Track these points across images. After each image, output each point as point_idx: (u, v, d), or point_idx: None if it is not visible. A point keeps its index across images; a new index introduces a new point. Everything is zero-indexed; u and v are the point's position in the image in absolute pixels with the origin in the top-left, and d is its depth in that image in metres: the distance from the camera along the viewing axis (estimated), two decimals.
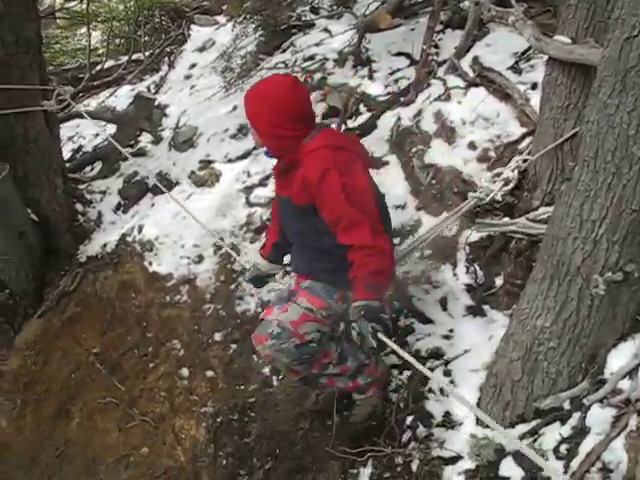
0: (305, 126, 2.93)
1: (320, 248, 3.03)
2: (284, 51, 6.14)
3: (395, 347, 2.61)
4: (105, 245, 5.13)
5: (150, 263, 4.86)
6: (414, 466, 3.01)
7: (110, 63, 8.26)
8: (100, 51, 9.20)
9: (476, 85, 4.35)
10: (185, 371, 4.31)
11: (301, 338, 3.01)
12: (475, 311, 3.56)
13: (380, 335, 2.65)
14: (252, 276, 3.63)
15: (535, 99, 3.92)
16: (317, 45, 5.89)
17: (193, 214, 3.97)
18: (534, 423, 2.78)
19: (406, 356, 2.48)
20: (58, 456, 4.44)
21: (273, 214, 3.59)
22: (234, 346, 4.22)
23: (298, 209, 2.96)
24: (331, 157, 2.82)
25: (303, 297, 3.09)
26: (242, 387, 4.01)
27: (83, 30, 10.40)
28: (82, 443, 4.43)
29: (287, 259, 3.54)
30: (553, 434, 2.68)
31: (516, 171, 3.28)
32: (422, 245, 3.54)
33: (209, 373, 4.21)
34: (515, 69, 4.31)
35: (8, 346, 4.92)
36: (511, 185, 3.30)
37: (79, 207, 5.41)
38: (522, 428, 2.81)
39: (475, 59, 4.51)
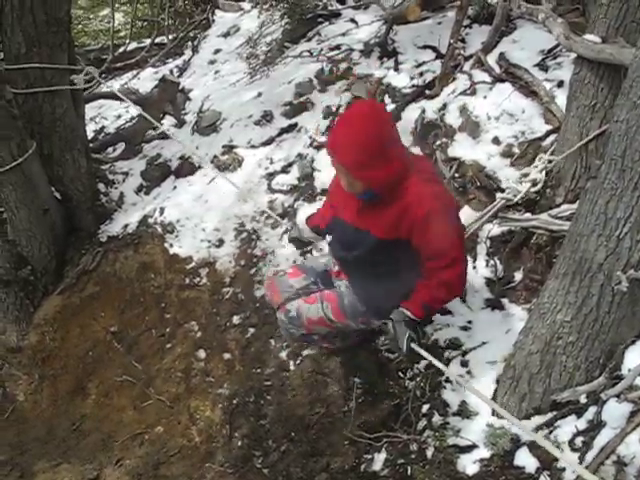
0: (399, 154, 2.72)
1: (382, 274, 3.00)
2: (310, 40, 6.15)
3: (427, 355, 2.80)
4: (126, 226, 5.16)
5: (171, 245, 4.89)
6: (429, 453, 3.06)
7: (133, 46, 8.31)
8: (122, 33, 9.26)
9: (502, 81, 4.36)
10: (202, 353, 4.37)
11: (309, 331, 3.28)
12: (494, 304, 3.60)
13: (413, 345, 2.82)
14: (293, 237, 3.59)
15: (561, 97, 3.95)
16: (343, 35, 5.89)
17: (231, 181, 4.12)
18: (550, 415, 2.82)
19: (439, 365, 2.74)
20: (74, 431, 4.50)
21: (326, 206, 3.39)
22: (252, 330, 4.27)
23: (380, 243, 2.82)
24: (441, 198, 2.77)
25: (329, 302, 3.18)
26: (259, 370, 4.06)
27: (104, 12, 10.50)
28: (98, 419, 4.49)
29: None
30: (569, 427, 2.72)
31: (543, 172, 3.31)
32: None
33: (226, 355, 4.26)
34: (542, 66, 4.32)
35: (27, 321, 4.97)
36: (539, 186, 3.34)
37: (101, 187, 5.43)
38: (538, 420, 2.85)
39: (502, 55, 4.52)
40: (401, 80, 5.01)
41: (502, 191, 3.82)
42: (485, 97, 4.36)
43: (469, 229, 3.52)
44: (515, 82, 4.30)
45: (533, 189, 3.36)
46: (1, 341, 5.06)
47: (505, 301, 3.60)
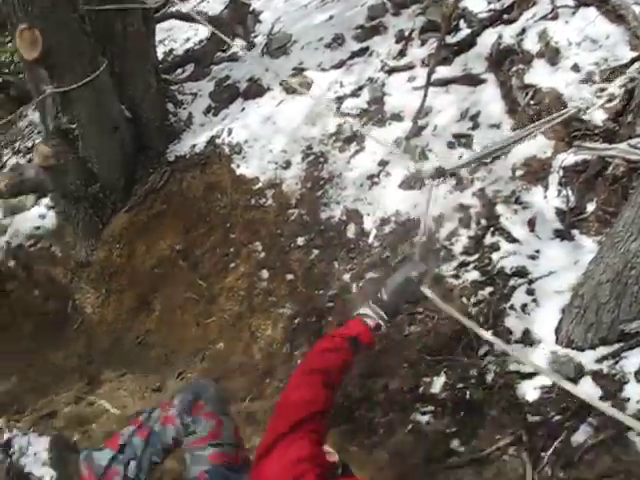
0: None
1: None
2: None
3: None
4: (194, 146, 5.17)
5: (238, 166, 4.88)
6: (489, 378, 3.04)
7: None
8: None
9: (587, 4, 4.16)
10: (265, 273, 4.38)
11: None
12: (563, 235, 3.51)
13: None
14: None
15: None
16: None
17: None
18: (617, 346, 2.77)
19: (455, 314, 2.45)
20: (138, 344, 4.66)
21: None
22: (316, 251, 4.26)
23: None
24: None
25: None
26: (321, 292, 4.07)
27: None
28: (161, 334, 4.63)
29: None
30: (635, 358, 2.68)
31: (622, 89, 3.14)
32: (508, 148, 3.24)
33: (289, 276, 4.27)
34: None
35: (96, 237, 5.09)
36: (615, 102, 3.18)
37: (170, 107, 5.44)
38: (603, 350, 2.81)
39: None
40: (478, 4, 4.82)
41: (580, 121, 3.69)
42: (567, 22, 4.17)
43: (533, 132, 3.30)
44: (601, 6, 4.09)
45: (608, 105, 3.19)
46: (71, 255, 5.22)
47: (575, 232, 3.50)
